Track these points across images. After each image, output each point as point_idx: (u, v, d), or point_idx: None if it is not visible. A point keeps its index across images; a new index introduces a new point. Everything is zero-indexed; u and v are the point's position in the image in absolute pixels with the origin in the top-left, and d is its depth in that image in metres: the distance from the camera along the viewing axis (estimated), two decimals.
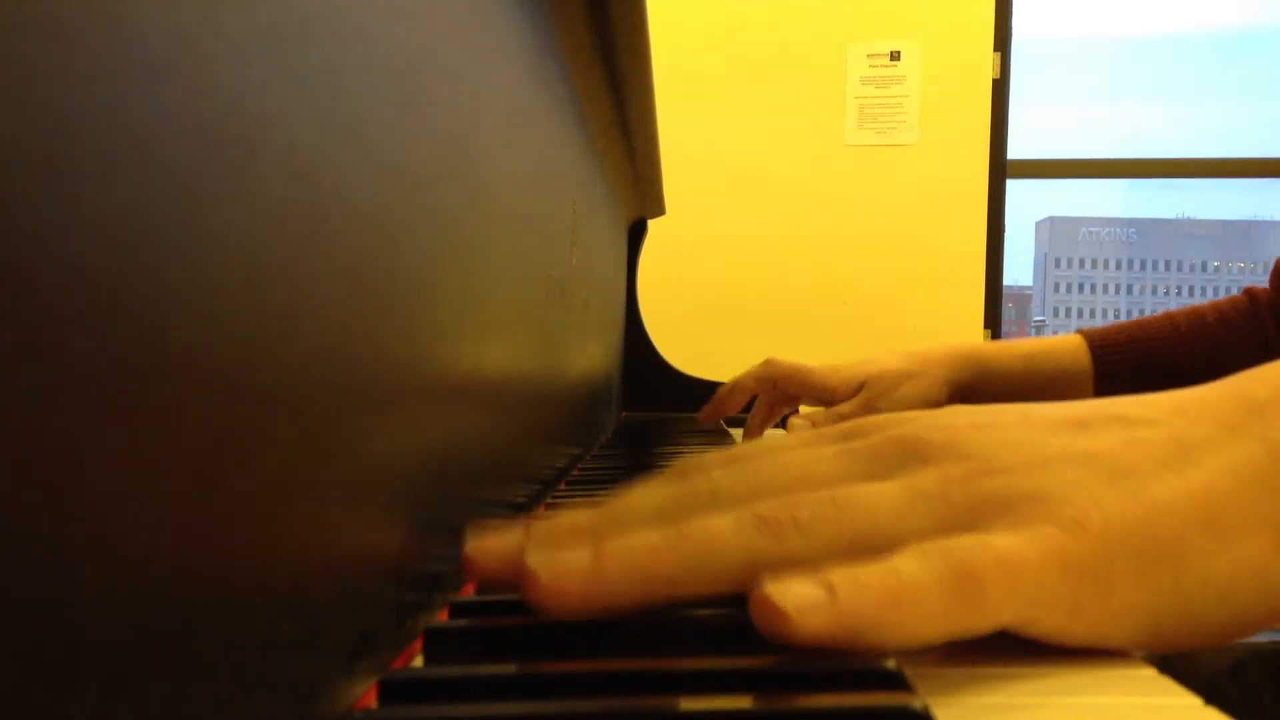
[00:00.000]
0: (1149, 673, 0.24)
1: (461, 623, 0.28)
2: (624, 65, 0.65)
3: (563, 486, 0.57)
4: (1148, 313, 0.85)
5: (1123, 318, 0.88)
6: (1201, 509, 0.24)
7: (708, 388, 0.96)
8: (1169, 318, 0.80)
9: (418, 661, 0.26)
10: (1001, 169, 2.23)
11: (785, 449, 0.28)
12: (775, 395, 0.83)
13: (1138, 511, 0.24)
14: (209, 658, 0.16)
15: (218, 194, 0.16)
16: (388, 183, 0.25)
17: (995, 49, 2.22)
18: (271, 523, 0.19)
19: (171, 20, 0.15)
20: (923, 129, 2.23)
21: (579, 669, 0.24)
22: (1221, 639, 0.25)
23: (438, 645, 0.26)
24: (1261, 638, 0.67)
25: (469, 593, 0.33)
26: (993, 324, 2.24)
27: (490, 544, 0.27)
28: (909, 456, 0.26)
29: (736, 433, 0.88)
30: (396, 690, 0.23)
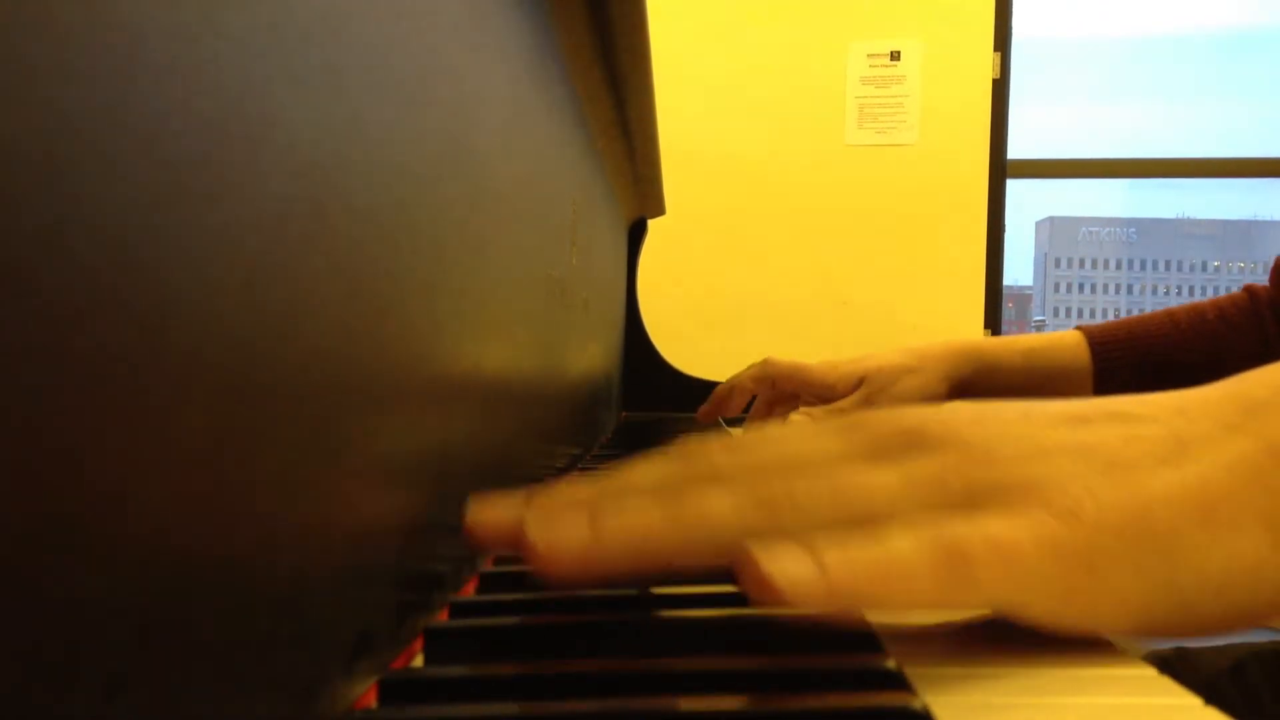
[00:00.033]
0: (1149, 673, 0.24)
1: (461, 623, 0.28)
2: (624, 65, 0.65)
3: None
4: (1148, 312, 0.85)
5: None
6: (1197, 503, 0.24)
7: (708, 387, 0.96)
8: (1169, 314, 0.80)
9: (418, 661, 0.27)
10: (1001, 169, 2.23)
11: (787, 436, 0.29)
12: (774, 394, 0.83)
13: (1133, 503, 0.24)
14: (209, 658, 0.16)
15: (218, 194, 0.16)
16: (388, 183, 0.25)
17: (995, 49, 2.22)
18: (271, 522, 0.19)
19: (171, 20, 0.15)
20: (923, 129, 2.23)
21: (579, 669, 0.24)
22: (1214, 631, 0.25)
23: (438, 645, 0.26)
24: (1262, 637, 0.67)
25: (469, 593, 0.33)
26: (993, 324, 2.24)
27: (491, 513, 0.27)
28: (909, 446, 0.26)
29: (737, 433, 0.88)
30: (396, 690, 0.23)
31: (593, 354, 0.76)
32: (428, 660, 0.26)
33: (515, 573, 0.35)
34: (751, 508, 0.25)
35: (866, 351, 0.81)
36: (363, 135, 0.23)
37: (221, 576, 0.17)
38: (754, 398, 0.84)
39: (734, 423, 0.92)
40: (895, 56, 2.23)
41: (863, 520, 0.24)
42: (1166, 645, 0.68)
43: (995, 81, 2.22)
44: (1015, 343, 0.81)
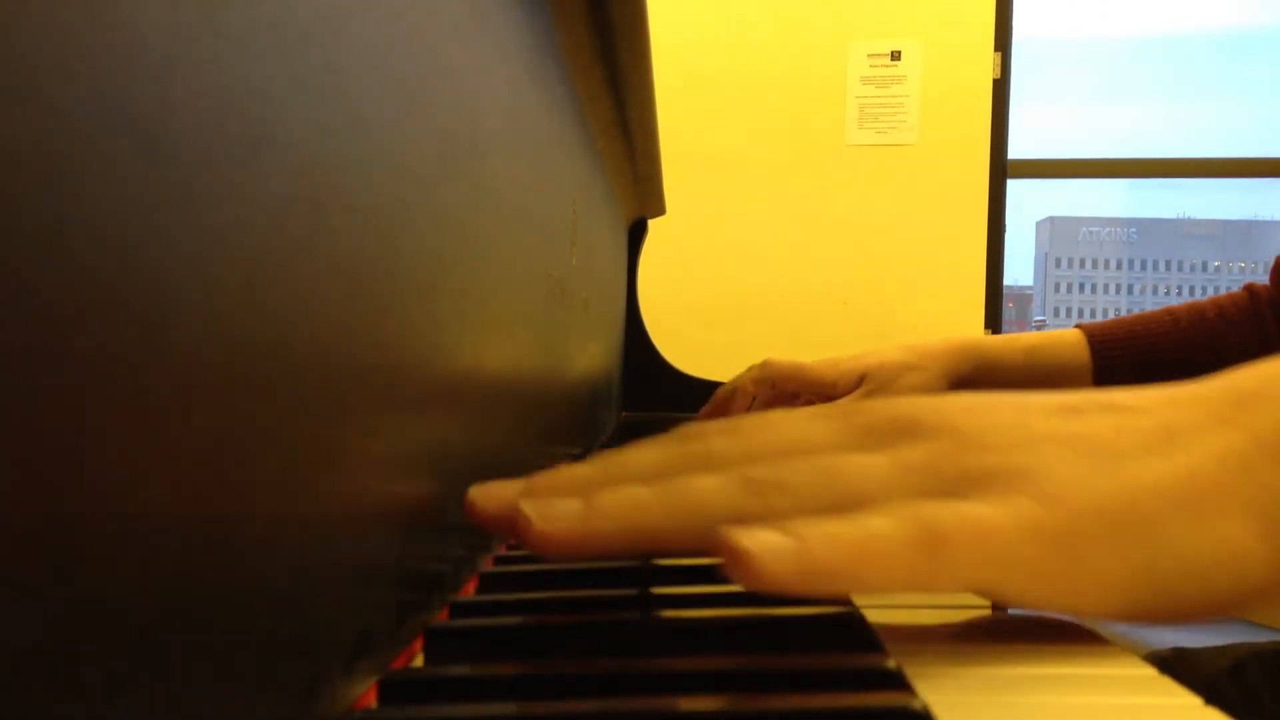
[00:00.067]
0: (1149, 673, 0.24)
1: (461, 623, 0.28)
2: (624, 65, 0.65)
3: None
4: None
5: None
6: (1183, 490, 0.24)
7: (708, 388, 0.96)
8: (1169, 313, 0.80)
9: (418, 661, 0.27)
10: (1002, 169, 2.23)
11: (782, 421, 0.29)
12: (775, 395, 0.83)
13: (1117, 488, 0.24)
14: (209, 658, 0.16)
15: (218, 194, 0.16)
16: (388, 183, 0.25)
17: (996, 49, 2.22)
18: (271, 522, 0.19)
19: (171, 20, 0.15)
20: (923, 129, 2.23)
21: (579, 669, 0.24)
22: (1195, 618, 0.25)
23: (438, 645, 0.26)
24: (1262, 637, 0.67)
25: (469, 593, 0.33)
26: (993, 324, 2.24)
27: (492, 490, 0.28)
28: (902, 433, 0.27)
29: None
30: (396, 690, 0.23)
31: (593, 354, 0.76)
32: (428, 660, 0.26)
33: (515, 573, 0.35)
34: (741, 490, 0.25)
35: (866, 350, 0.81)
36: (363, 135, 0.23)
37: (221, 576, 0.17)
38: (755, 399, 0.84)
39: None
40: (896, 56, 2.23)
41: (853, 505, 0.24)
42: (1166, 646, 0.68)
43: (995, 81, 2.22)
44: (1016, 340, 0.81)
